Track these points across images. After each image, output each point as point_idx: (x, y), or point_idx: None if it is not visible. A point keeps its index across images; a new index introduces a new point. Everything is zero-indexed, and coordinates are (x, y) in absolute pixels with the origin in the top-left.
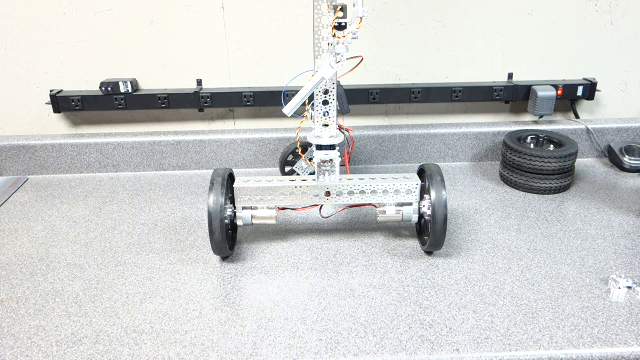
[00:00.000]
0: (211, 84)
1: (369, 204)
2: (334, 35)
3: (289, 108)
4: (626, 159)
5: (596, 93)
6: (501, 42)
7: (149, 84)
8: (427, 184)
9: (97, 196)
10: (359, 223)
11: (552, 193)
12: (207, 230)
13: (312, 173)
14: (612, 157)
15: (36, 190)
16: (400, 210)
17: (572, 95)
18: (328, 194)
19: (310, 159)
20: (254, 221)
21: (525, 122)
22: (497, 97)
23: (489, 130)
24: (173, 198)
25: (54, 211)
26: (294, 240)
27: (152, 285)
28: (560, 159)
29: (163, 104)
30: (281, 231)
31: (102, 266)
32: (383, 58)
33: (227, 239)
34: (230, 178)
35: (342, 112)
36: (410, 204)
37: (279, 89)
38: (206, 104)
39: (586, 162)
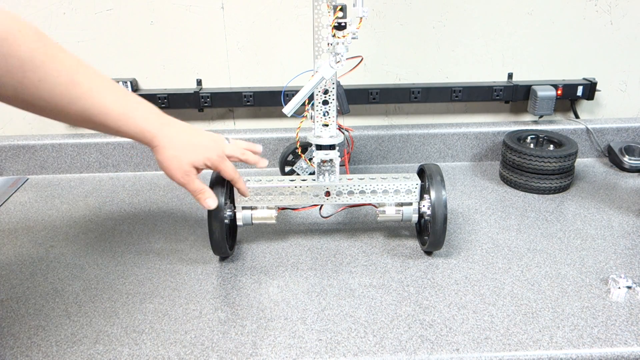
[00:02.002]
0: (211, 84)
1: (369, 204)
2: (333, 36)
3: (289, 108)
4: (626, 159)
5: (596, 93)
6: (501, 42)
7: (149, 84)
8: (427, 184)
9: (97, 196)
10: (359, 223)
11: (552, 193)
12: (207, 230)
13: (312, 173)
14: (612, 157)
15: (36, 190)
16: (400, 210)
17: (572, 95)
18: (328, 194)
19: (310, 159)
20: (254, 221)
21: (525, 122)
22: (497, 97)
23: (489, 130)
24: (173, 198)
25: (54, 211)
26: (294, 240)
27: (152, 285)
28: (560, 159)
29: (163, 104)
30: (281, 231)
31: (102, 266)
32: (383, 58)
33: (227, 239)
34: None
35: (342, 112)
36: (410, 204)
37: (279, 89)
38: (206, 104)
39: (586, 162)
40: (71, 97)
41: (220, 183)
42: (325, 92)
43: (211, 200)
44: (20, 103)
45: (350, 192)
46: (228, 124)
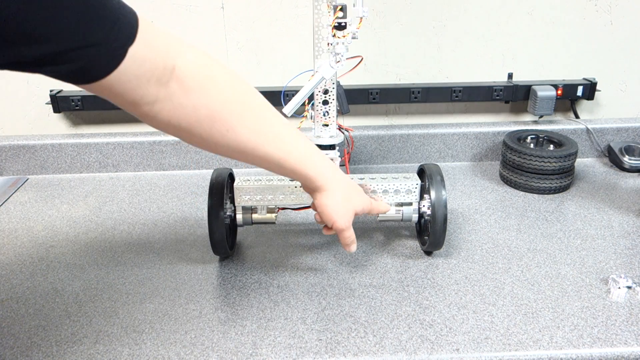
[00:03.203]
0: None
1: None
2: (334, 35)
3: (289, 108)
4: (626, 159)
5: (596, 93)
6: (501, 42)
7: None
8: (427, 184)
9: (97, 196)
10: (359, 223)
11: (552, 193)
12: (207, 230)
13: None
14: (612, 157)
15: (36, 190)
16: (400, 210)
17: (572, 95)
18: None
19: None
20: (254, 221)
21: (525, 122)
22: (497, 97)
23: (489, 130)
24: (173, 198)
25: (54, 211)
26: (294, 240)
27: (152, 285)
28: (560, 159)
29: None
30: (281, 231)
31: (102, 266)
32: (383, 58)
33: (227, 239)
34: (230, 178)
35: (342, 112)
36: (410, 204)
37: (278, 89)
38: None
39: (586, 162)
40: (256, 144)
41: (220, 184)
42: (325, 92)
43: (354, 246)
44: (204, 148)
45: None
46: None
